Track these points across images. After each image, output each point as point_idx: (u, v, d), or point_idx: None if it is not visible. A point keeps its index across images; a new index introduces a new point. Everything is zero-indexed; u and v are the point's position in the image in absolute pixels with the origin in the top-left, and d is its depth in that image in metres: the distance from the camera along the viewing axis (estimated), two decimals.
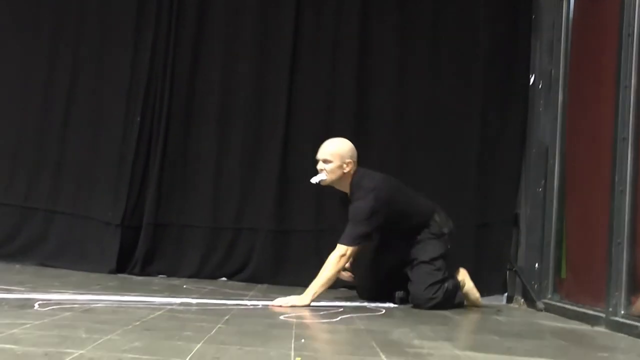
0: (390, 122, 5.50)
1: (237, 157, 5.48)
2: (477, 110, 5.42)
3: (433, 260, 4.26)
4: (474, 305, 4.49)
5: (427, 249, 4.28)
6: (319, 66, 5.60)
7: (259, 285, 5.12)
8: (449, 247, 4.33)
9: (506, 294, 5.13)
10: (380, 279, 4.42)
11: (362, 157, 5.26)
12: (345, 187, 4.26)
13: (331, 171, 4.19)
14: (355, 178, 4.20)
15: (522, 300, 4.98)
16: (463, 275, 4.52)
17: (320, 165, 4.22)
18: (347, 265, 4.23)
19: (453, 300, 4.30)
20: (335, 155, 4.19)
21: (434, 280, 4.20)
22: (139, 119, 5.56)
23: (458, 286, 4.40)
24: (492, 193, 5.34)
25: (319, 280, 3.96)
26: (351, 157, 4.22)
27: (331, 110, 5.48)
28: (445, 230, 4.33)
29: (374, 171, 4.30)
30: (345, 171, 4.20)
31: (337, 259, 4.00)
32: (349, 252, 4.02)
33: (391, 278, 4.40)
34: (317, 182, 4.22)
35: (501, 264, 5.15)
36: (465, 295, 4.47)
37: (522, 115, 5.31)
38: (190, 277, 5.35)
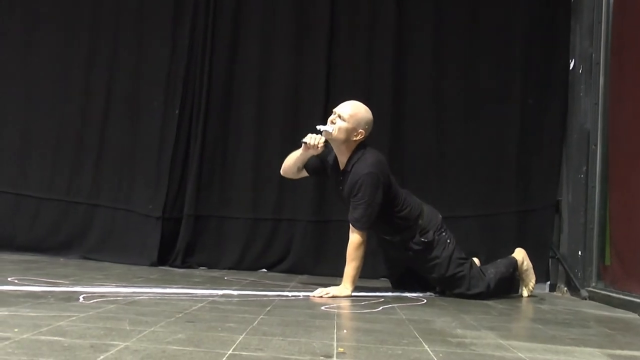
0: (428, 109, 5.47)
1: (276, 147, 5.47)
2: (517, 95, 5.38)
3: (452, 274, 4.16)
4: (526, 286, 4.42)
5: (437, 264, 4.17)
6: (355, 54, 5.58)
7: (299, 276, 5.13)
8: (448, 241, 4.19)
9: (549, 283, 5.10)
10: (406, 271, 4.40)
11: (400, 148, 5.40)
12: (342, 153, 4.11)
13: (341, 130, 4.04)
14: (358, 150, 4.08)
15: (565, 288, 4.95)
16: (520, 253, 4.43)
17: (333, 117, 4.10)
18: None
19: (506, 283, 4.26)
20: (353, 117, 4.06)
21: (463, 279, 4.17)
22: (177, 111, 5.59)
23: (514, 265, 4.34)
24: (533, 179, 5.32)
25: (352, 270, 3.96)
26: (365, 129, 4.08)
27: (369, 97, 5.35)
28: (431, 234, 4.15)
29: (372, 148, 4.17)
30: (352, 138, 4.06)
31: (358, 246, 3.97)
32: (366, 235, 3.99)
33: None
34: (322, 130, 4.06)
35: (543, 251, 5.11)
36: (523, 277, 4.40)
37: (563, 100, 5.27)
38: (230, 268, 5.38)
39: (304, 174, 4.36)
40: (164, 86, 5.65)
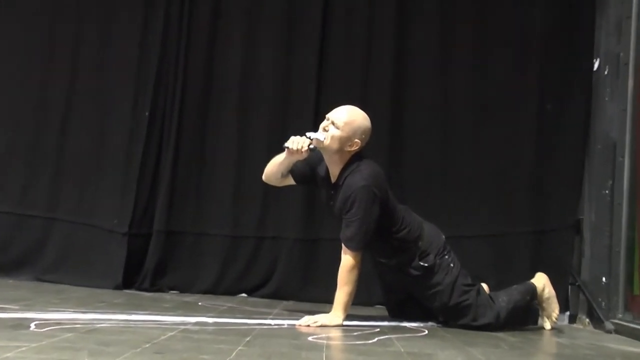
0: (432, 115, 5.48)
1: (260, 156, 5.30)
2: (533, 100, 5.39)
3: (456, 303, 4.15)
4: (548, 317, 4.39)
5: (439, 291, 4.14)
6: (350, 52, 5.60)
7: (284, 302, 5.12)
8: (452, 265, 4.17)
9: (568, 313, 5.08)
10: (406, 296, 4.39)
11: (399, 157, 5.41)
12: (334, 164, 4.10)
13: (334, 139, 4.02)
14: (353, 161, 4.06)
15: (588, 320, 4.93)
16: (541, 279, 4.40)
17: (325, 124, 4.08)
18: None
19: (521, 312, 4.24)
20: (349, 125, 4.03)
21: (469, 309, 4.15)
22: (147, 113, 5.57)
23: (532, 292, 4.31)
24: (551, 195, 5.32)
25: (343, 296, 3.94)
26: (361, 139, 4.07)
27: (365, 102, 5.33)
28: (431, 257, 4.14)
29: (368, 159, 4.15)
30: (347, 148, 4.05)
31: (351, 268, 3.95)
32: (359, 256, 3.97)
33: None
34: (313, 138, 4.04)
35: (562, 277, 5.07)
36: (544, 306, 4.38)
37: (585, 105, 5.27)
38: (206, 292, 5.35)
39: (290, 181, 4.35)
40: (132, 84, 5.62)
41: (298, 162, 4.21)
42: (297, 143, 4.04)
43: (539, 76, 5.40)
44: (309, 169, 4.28)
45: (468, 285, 4.19)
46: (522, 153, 5.38)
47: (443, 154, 5.45)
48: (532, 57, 5.42)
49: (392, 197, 4.16)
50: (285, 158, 4.17)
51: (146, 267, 5.41)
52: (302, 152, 4.05)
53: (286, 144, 4.09)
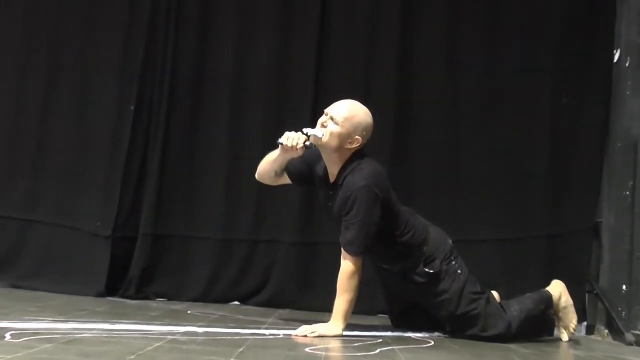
0: (439, 111, 5.50)
1: (255, 154, 5.26)
2: (548, 95, 5.40)
3: (464, 313, 4.14)
4: (566, 328, 4.38)
5: (446, 300, 4.13)
6: (352, 41, 5.60)
7: (280, 311, 5.13)
8: (459, 272, 4.17)
9: (585, 323, 5.07)
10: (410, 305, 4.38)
11: (404, 156, 5.42)
12: (333, 163, 4.08)
13: (333, 135, 3.99)
14: (353, 160, 4.04)
15: (606, 331, 4.91)
16: (558, 288, 4.38)
17: (324, 119, 4.06)
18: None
19: (535, 323, 4.23)
20: (349, 121, 4.01)
21: (478, 318, 4.14)
22: (133, 108, 5.56)
23: (547, 301, 4.29)
24: (567, 197, 5.33)
25: (343, 305, 3.93)
26: (363, 136, 4.05)
27: (367, 96, 5.32)
28: (437, 263, 4.13)
29: (370, 158, 4.14)
30: (347, 146, 4.03)
31: (351, 275, 3.93)
32: (360, 262, 3.96)
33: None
34: (310, 135, 4.01)
35: (579, 285, 5.06)
36: (561, 316, 4.37)
37: (604, 100, 5.26)
38: (196, 300, 5.35)
39: (285, 180, 4.33)
40: (117, 76, 5.62)
41: (294, 160, 4.19)
42: (292, 139, 4.03)
43: (555, 69, 5.41)
44: (306, 167, 4.26)
45: (477, 293, 4.18)
46: (535, 152, 5.40)
47: (451, 153, 5.46)
48: (547, 48, 5.42)
49: (395, 199, 4.14)
50: (280, 155, 4.15)
51: (131, 273, 5.40)
52: (297, 149, 4.03)
53: (280, 140, 4.07)
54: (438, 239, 4.23)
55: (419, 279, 4.14)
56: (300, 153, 4.08)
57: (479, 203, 5.36)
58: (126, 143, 5.54)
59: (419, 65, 5.55)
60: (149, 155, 5.58)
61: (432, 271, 4.13)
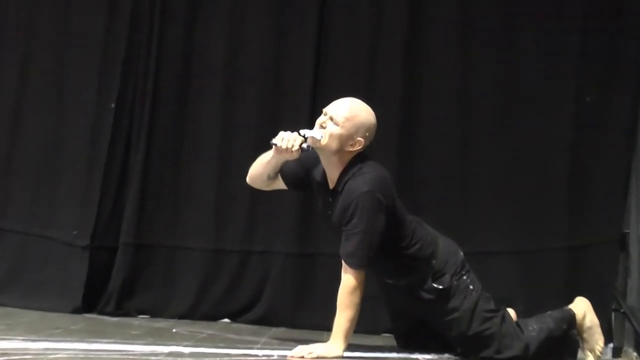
0: (450, 111, 5.48)
1: (247, 157, 5.24)
2: (570, 91, 5.37)
3: (476, 333, 4.09)
4: (591, 350, 4.31)
5: (456, 318, 4.09)
6: (354, 34, 5.58)
7: (274, 329, 5.11)
8: (471, 287, 4.12)
9: (612, 345, 5.04)
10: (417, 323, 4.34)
11: (411, 160, 5.41)
12: (333, 167, 4.04)
13: (332, 137, 3.94)
14: (354, 164, 4.00)
15: (635, 353, 4.88)
16: (582, 305, 4.33)
17: (322, 119, 4.02)
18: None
19: (556, 344, 4.17)
20: (350, 121, 3.96)
21: (492, 339, 4.09)
22: (113, 104, 5.55)
23: (570, 320, 4.24)
24: (591, 205, 5.30)
25: (344, 323, 3.88)
26: (365, 137, 4.00)
27: (370, 96, 5.22)
28: (447, 278, 4.09)
29: (372, 161, 4.11)
30: (347, 148, 3.98)
31: (352, 290, 3.89)
32: (362, 275, 3.91)
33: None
34: (307, 137, 3.96)
35: (604, 302, 5.04)
36: (585, 337, 4.31)
37: (632, 99, 5.28)
38: (181, 317, 5.35)
39: (279, 184, 4.29)
40: (96, 70, 5.61)
41: (289, 162, 4.15)
42: (287, 140, 3.97)
43: (578, 64, 5.38)
44: (302, 171, 4.22)
45: (491, 311, 4.13)
46: (556, 155, 5.37)
47: (463, 157, 5.45)
48: (569, 42, 5.39)
49: (400, 207, 4.11)
50: (273, 157, 4.11)
51: (111, 287, 5.40)
52: (292, 151, 3.98)
53: (274, 141, 4.01)
54: (448, 251, 4.19)
55: (426, 295, 4.10)
56: (295, 155, 4.03)
57: (493, 211, 5.34)
58: (106, 143, 5.52)
59: (428, 59, 5.53)
60: (131, 156, 5.56)
61: (441, 287, 4.09)
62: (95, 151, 5.54)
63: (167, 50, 5.60)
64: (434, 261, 4.10)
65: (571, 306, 4.33)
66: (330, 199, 4.08)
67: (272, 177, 4.23)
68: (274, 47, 5.60)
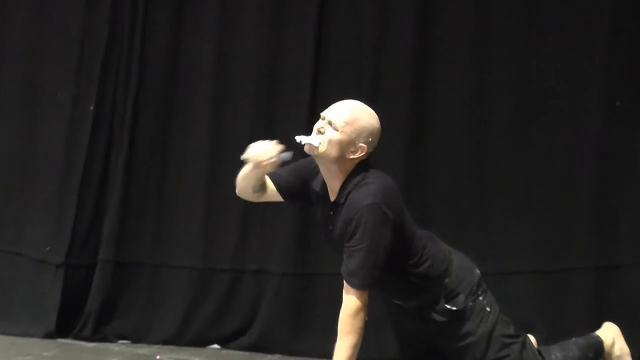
0: (463, 116, 5.48)
1: (241, 164, 5.32)
2: (596, 96, 5.35)
3: (495, 359, 3.96)
4: None
5: (471, 344, 3.96)
6: (358, 28, 5.54)
7: (269, 357, 5.13)
8: (488, 310, 3.99)
9: None
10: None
11: (421, 170, 5.40)
12: (334, 177, 3.91)
13: (332, 143, 3.80)
14: (357, 172, 3.88)
15: None
16: (611, 331, 4.23)
17: (321, 124, 3.88)
18: None
19: None
20: (351, 125, 3.82)
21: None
22: (92, 107, 5.53)
23: (597, 348, 4.13)
24: (620, 220, 5.29)
25: (345, 350, 3.76)
26: (368, 142, 3.86)
27: (375, 96, 5.34)
28: (461, 299, 3.97)
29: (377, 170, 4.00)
30: (349, 155, 3.84)
31: (355, 313, 3.77)
32: (366, 296, 3.79)
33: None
34: (304, 143, 3.84)
35: (635, 328, 4.88)
36: None
37: None
38: (166, 342, 5.37)
39: (274, 196, 4.15)
40: (73, 69, 5.60)
41: (284, 171, 4.05)
42: (261, 153, 3.86)
43: (605, 65, 5.36)
44: (299, 181, 4.10)
45: (510, 336, 4.02)
46: (582, 165, 5.35)
47: (479, 167, 5.45)
48: (595, 40, 5.37)
49: (408, 220, 4.01)
50: (251, 171, 3.99)
51: (88, 309, 5.41)
52: (268, 165, 3.88)
53: (245, 156, 3.91)
54: (462, 268, 4.07)
55: (438, 318, 3.99)
56: (272, 169, 3.94)
57: (513, 227, 5.32)
58: (83, 150, 5.54)
59: (440, 61, 5.52)
60: (111, 164, 5.58)
61: (454, 308, 3.97)
62: (72, 159, 5.57)
63: (151, 47, 5.61)
64: (447, 280, 3.99)
65: (598, 332, 4.24)
66: (332, 212, 3.97)
67: (258, 190, 4.12)
68: (269, 42, 5.60)
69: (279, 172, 4.01)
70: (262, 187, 4.01)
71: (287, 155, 3.81)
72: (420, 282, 3.93)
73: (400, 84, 5.45)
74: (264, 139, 4.91)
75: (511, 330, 3.99)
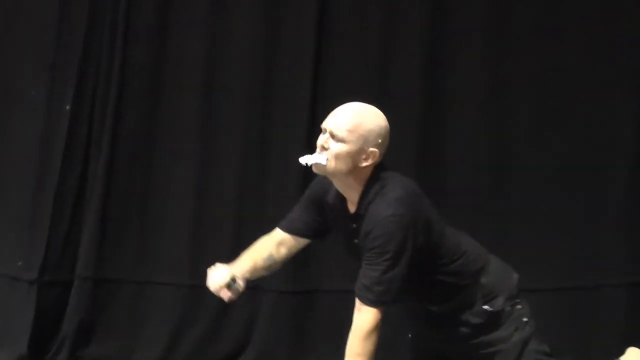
0: (480, 117, 5.48)
1: (231, 174, 5.47)
2: (629, 90, 5.35)
3: None
4: None
5: (501, 351, 3.90)
6: (362, 25, 5.55)
7: None
8: (525, 320, 3.93)
9: None
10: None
11: (434, 176, 5.39)
12: (351, 189, 3.85)
13: (339, 157, 3.73)
14: (376, 179, 3.81)
15: None
16: (636, 357, 4.19)
17: (322, 139, 3.81)
18: None
19: None
20: (355, 132, 3.74)
21: None
22: (69, 107, 5.50)
23: None
24: None
25: None
26: (378, 144, 3.78)
27: (383, 96, 5.32)
28: (500, 301, 3.91)
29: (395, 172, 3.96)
30: (361, 164, 3.77)
31: (368, 333, 3.69)
32: (380, 316, 3.70)
33: None
34: (311, 164, 3.79)
35: None
36: None
37: None
38: None
39: (301, 244, 4.10)
40: (48, 65, 5.58)
41: (296, 214, 4.04)
42: (212, 283, 3.90)
43: (636, 62, 5.33)
44: (317, 214, 4.03)
45: (545, 353, 3.95)
46: (612, 171, 5.35)
47: (496, 171, 5.46)
48: (627, 26, 5.36)
49: (435, 218, 3.94)
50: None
51: (64, 330, 5.40)
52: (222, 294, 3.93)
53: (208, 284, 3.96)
54: (501, 268, 4.02)
55: (473, 320, 3.91)
56: (227, 297, 3.96)
57: (536, 240, 5.29)
58: (59, 155, 5.54)
59: (453, 57, 5.54)
60: (90, 170, 5.58)
61: (491, 309, 3.90)
62: (46, 164, 5.57)
63: (134, 42, 5.59)
64: (483, 279, 3.92)
65: (624, 357, 4.22)
66: (354, 225, 3.89)
67: (277, 263, 4.12)
68: (265, 36, 5.59)
69: (292, 217, 4.02)
70: (276, 261, 4.06)
71: (234, 283, 3.86)
72: (455, 281, 3.88)
73: (409, 81, 5.45)
74: (258, 146, 4.98)
75: (546, 348, 3.94)
